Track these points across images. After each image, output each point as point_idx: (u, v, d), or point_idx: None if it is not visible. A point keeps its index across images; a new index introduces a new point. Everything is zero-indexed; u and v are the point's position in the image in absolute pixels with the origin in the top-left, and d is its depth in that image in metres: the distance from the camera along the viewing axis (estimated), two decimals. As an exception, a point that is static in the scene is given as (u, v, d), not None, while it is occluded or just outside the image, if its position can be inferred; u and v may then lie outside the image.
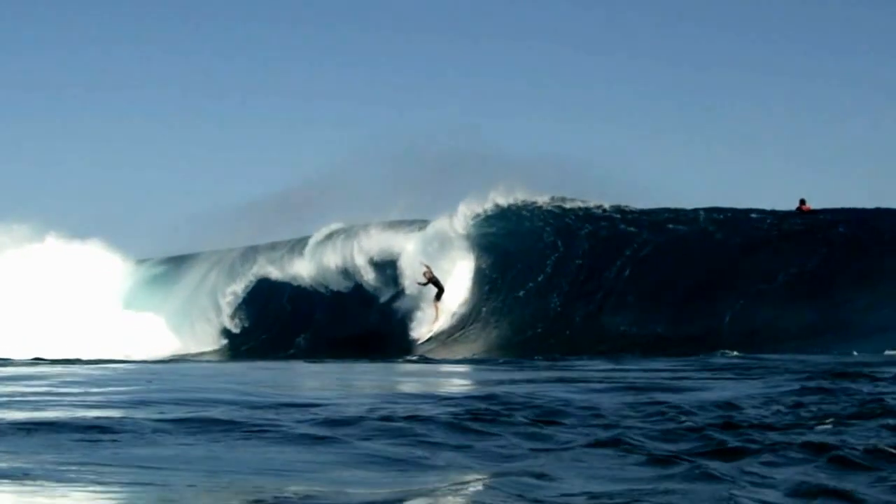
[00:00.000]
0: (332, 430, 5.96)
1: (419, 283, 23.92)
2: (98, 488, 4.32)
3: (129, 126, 61.77)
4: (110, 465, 4.84)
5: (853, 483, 4.39)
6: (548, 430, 6.07)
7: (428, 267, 23.81)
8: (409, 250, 25.60)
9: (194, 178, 60.59)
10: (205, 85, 63.62)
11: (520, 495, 4.17)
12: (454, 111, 57.26)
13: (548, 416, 6.68)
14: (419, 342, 23.56)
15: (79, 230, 31.29)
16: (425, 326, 23.96)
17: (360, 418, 6.43)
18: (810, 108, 59.07)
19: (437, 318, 23.86)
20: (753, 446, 5.30)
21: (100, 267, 30.37)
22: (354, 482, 4.48)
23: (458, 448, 5.44)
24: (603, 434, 5.84)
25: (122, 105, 62.76)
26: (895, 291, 19.28)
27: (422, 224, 26.87)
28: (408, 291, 24.76)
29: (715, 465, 4.79)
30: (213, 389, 9.11)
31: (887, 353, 15.19)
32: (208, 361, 21.07)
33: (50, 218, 50.59)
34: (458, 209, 25.60)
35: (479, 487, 4.29)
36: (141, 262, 32.28)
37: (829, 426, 6.08)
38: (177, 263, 32.11)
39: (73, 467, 4.76)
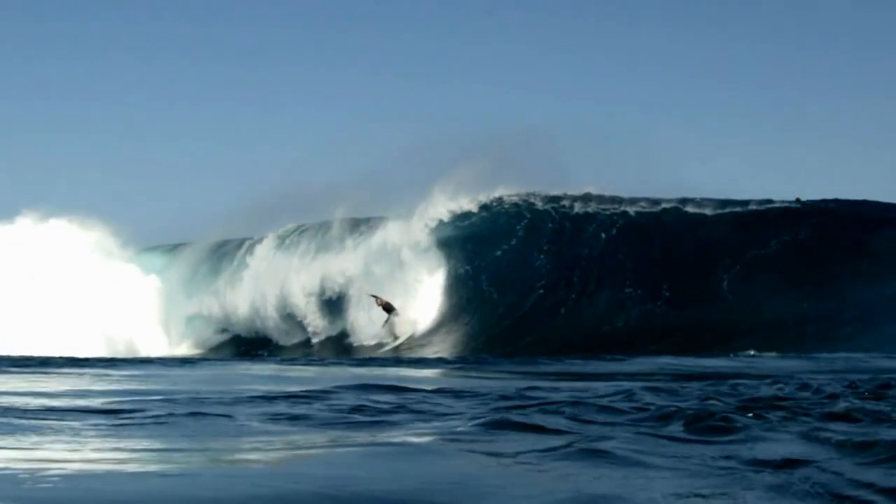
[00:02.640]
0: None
1: (385, 324, 22.54)
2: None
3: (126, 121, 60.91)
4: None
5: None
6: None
7: (376, 297, 22.53)
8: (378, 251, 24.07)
9: (193, 172, 59.42)
10: (205, 77, 62.92)
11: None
12: (444, 103, 56.76)
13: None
14: (380, 349, 22.34)
15: (55, 211, 28.70)
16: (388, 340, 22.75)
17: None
18: (808, 105, 59.11)
19: (395, 336, 22.64)
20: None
21: (78, 251, 27.82)
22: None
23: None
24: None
25: (121, 102, 62.18)
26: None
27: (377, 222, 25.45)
28: (365, 333, 23.14)
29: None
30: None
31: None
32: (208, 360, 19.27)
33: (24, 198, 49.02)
34: (416, 212, 24.17)
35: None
36: (128, 248, 29.72)
37: None
38: (169, 252, 30.45)
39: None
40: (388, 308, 22.41)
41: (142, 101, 62.29)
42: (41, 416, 5.58)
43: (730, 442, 4.53)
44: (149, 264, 29.06)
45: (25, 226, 27.87)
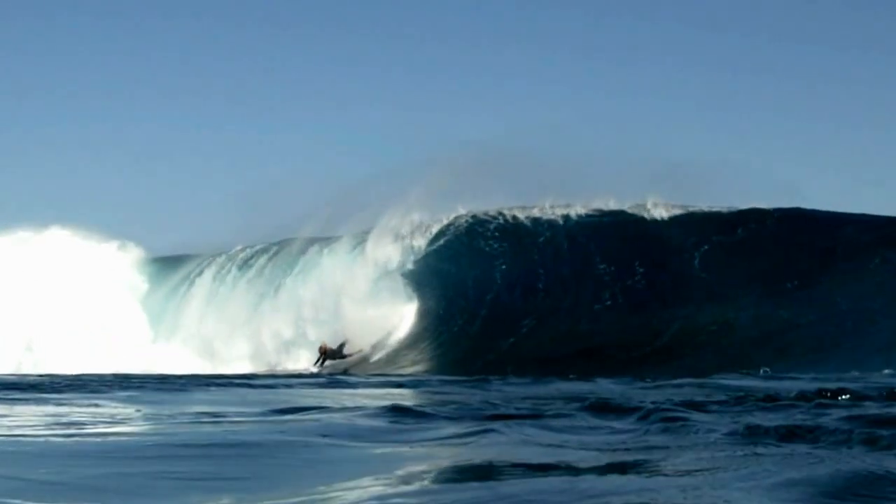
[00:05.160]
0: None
1: (319, 365, 21.86)
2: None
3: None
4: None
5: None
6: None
7: (322, 344, 22.09)
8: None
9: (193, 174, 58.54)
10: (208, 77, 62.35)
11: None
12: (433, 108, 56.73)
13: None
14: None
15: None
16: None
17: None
18: (805, 108, 59.40)
19: (363, 351, 22.09)
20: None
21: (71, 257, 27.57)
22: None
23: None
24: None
25: (121, 104, 61.00)
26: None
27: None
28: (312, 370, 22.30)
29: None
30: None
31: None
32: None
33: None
34: (374, 230, 23.43)
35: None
36: (126, 251, 28.86)
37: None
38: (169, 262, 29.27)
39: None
40: (327, 354, 21.89)
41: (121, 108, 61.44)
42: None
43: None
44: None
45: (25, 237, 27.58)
